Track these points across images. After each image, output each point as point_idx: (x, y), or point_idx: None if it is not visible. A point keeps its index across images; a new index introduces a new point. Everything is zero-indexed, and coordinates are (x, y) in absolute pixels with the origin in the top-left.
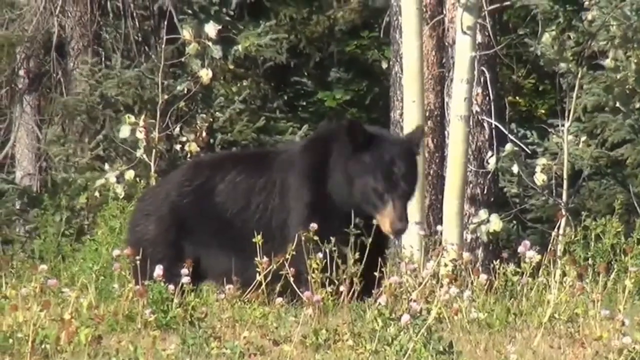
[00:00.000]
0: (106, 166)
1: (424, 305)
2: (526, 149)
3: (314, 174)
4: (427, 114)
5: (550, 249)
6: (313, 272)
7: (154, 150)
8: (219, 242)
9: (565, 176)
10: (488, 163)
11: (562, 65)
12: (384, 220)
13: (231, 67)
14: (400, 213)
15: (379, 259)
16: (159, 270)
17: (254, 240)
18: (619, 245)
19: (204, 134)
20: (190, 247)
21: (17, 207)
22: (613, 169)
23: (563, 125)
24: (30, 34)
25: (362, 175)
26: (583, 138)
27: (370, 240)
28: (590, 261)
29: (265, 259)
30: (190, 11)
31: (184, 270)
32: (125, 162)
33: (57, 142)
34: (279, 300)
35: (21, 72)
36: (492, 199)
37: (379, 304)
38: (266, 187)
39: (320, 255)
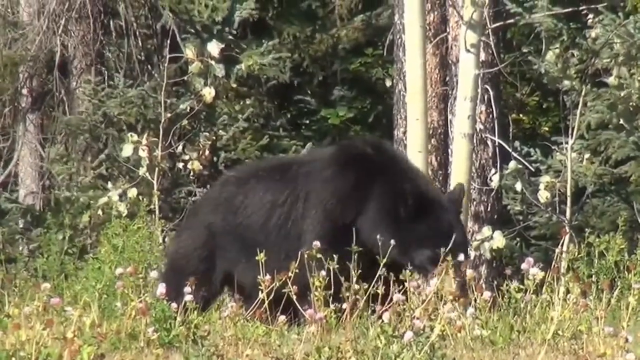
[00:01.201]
0: (109, 185)
1: (427, 322)
2: (530, 167)
3: (348, 199)
4: (431, 132)
5: (554, 266)
6: (316, 289)
7: (156, 169)
8: (247, 257)
9: (568, 193)
10: (491, 180)
11: (566, 82)
12: None
13: (234, 85)
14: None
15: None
16: (162, 288)
17: (275, 253)
18: (623, 262)
19: (207, 152)
20: (222, 262)
21: (21, 225)
22: (617, 186)
23: (567, 143)
24: (33, 53)
25: (420, 245)
26: (587, 155)
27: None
28: (593, 278)
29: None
30: (193, 30)
31: (187, 289)
32: (128, 181)
33: (60, 161)
34: (282, 317)
35: (24, 91)
36: (495, 216)
37: (382, 321)
38: (289, 199)
39: (323, 272)
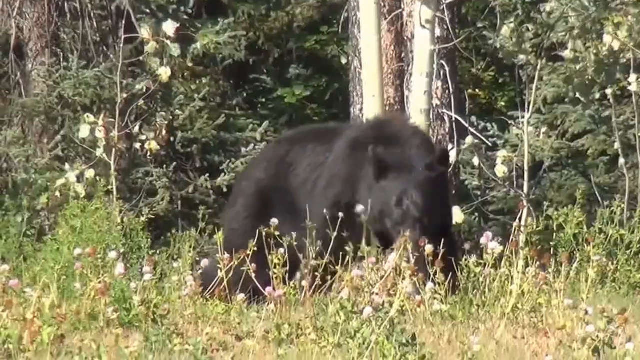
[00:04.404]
0: (66, 166)
1: (387, 298)
2: (487, 142)
3: (346, 181)
4: (387, 109)
5: (512, 240)
6: (275, 267)
7: (113, 150)
8: (292, 216)
9: (526, 168)
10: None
11: (522, 57)
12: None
13: (190, 65)
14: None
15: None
16: (120, 269)
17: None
18: (581, 235)
19: (163, 132)
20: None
21: None
22: (574, 160)
23: (523, 117)
24: None
25: (380, 204)
26: (543, 129)
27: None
28: (552, 251)
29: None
30: (148, 10)
31: (146, 269)
32: (85, 162)
33: (17, 143)
34: (241, 296)
35: None
36: (453, 192)
37: (341, 297)
38: (325, 162)
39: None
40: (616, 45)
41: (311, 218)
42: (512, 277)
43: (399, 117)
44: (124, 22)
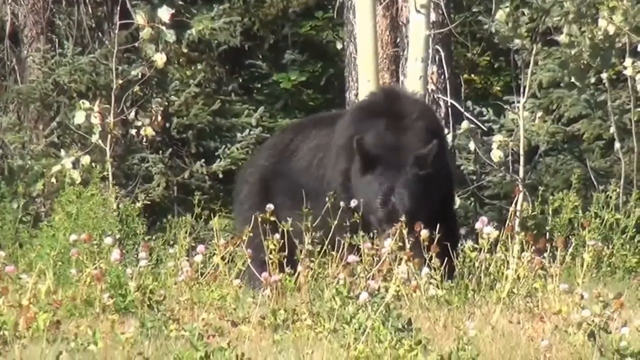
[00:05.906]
0: (62, 152)
1: (382, 283)
2: (482, 126)
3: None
4: None
5: (508, 224)
6: (270, 252)
7: (109, 136)
8: (293, 202)
9: (521, 152)
10: None
11: (517, 41)
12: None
13: (185, 50)
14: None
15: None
16: (116, 255)
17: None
18: (577, 219)
19: (159, 118)
20: (276, 208)
21: None
22: (569, 144)
23: (519, 102)
24: None
25: (365, 197)
26: (539, 114)
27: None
28: (548, 236)
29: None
30: None
31: (142, 254)
32: (80, 148)
33: (13, 130)
34: (237, 282)
35: None
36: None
37: (337, 282)
38: (328, 144)
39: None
40: (611, 30)
41: (322, 199)
42: (507, 262)
43: (407, 93)
44: (119, 8)
